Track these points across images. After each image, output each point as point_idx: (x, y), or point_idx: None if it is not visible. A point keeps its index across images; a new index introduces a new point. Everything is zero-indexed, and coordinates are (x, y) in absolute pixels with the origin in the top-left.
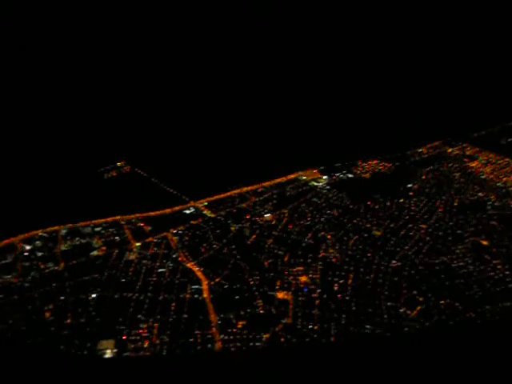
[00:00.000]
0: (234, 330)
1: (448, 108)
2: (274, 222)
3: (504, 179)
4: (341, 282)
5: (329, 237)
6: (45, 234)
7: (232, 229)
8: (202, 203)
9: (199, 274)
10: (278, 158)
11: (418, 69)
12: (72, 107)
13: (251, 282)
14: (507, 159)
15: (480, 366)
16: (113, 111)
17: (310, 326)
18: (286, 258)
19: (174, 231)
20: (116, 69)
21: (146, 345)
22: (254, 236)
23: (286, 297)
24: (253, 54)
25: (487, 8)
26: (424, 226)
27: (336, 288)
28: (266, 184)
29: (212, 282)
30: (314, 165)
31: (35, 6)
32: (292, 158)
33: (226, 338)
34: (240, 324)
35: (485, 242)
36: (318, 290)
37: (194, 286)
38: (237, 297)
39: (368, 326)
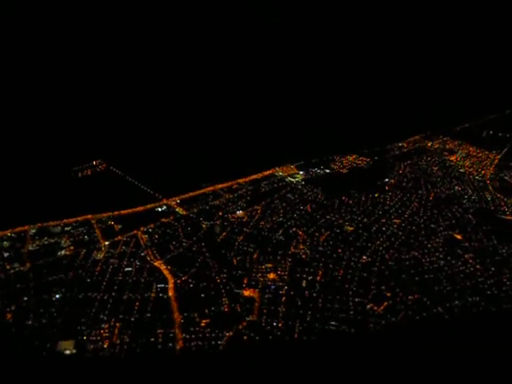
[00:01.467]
0: (197, 329)
1: (430, 102)
2: (245, 219)
3: (482, 172)
4: (309, 278)
5: (300, 233)
6: (13, 234)
7: (203, 226)
8: (175, 201)
9: (166, 272)
10: (256, 154)
11: (400, 63)
12: (46, 104)
13: (218, 280)
14: (487, 152)
15: (446, 362)
16: (89, 109)
17: (275, 324)
18: (255, 256)
19: (144, 229)
20: (91, 69)
21: (105, 345)
22: (224, 233)
23: (252, 294)
24: (229, 51)
25: (467, 5)
26: (397, 221)
27: (304, 284)
28: (241, 180)
29: (178, 281)
30: (293, 160)
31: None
32: (270, 153)
33: (188, 336)
34: (203, 322)
35: (459, 236)
36: (286, 287)
37: (159, 285)
38: (202, 295)
39: (333, 323)
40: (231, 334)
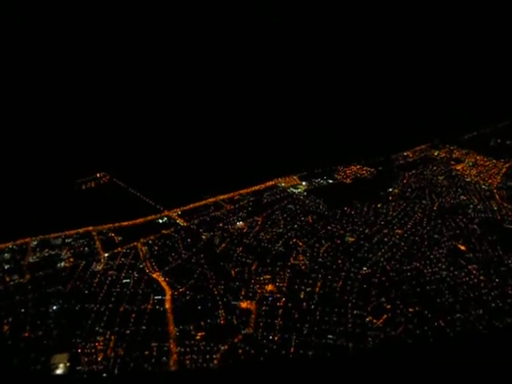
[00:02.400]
0: (192, 342)
1: (437, 110)
2: (245, 230)
3: (489, 181)
4: (308, 290)
5: (300, 244)
6: (14, 247)
7: (203, 237)
8: (176, 212)
9: (164, 284)
10: (259, 165)
11: (407, 71)
12: (49, 117)
13: (215, 292)
14: (494, 161)
15: (447, 378)
16: (93, 121)
17: (271, 337)
18: (253, 267)
19: (144, 241)
20: (92, 81)
21: (99, 358)
22: (223, 244)
23: (249, 306)
24: (225, 62)
25: (474, 13)
26: (400, 232)
27: (302, 296)
28: (243, 191)
29: (176, 293)
30: (297, 171)
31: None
32: (274, 164)
33: (183, 350)
34: (199, 335)
35: (462, 247)
36: (283, 299)
37: (156, 297)
38: (199, 307)
39: (330, 336)
40: (226, 347)
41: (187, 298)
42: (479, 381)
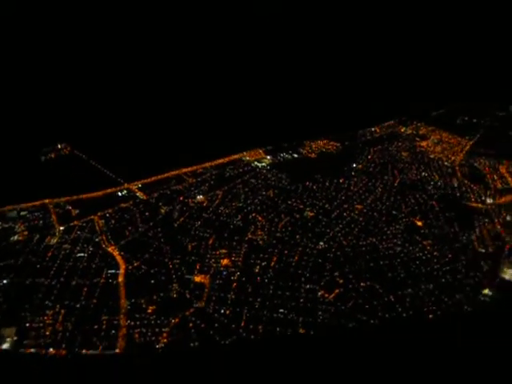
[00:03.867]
0: (143, 315)
1: (406, 87)
2: (205, 204)
3: (452, 158)
4: (263, 264)
5: (259, 218)
6: None
7: (162, 211)
8: (136, 185)
9: (118, 258)
10: (227, 138)
11: (377, 48)
12: (9, 86)
13: (170, 266)
14: (459, 138)
15: (391, 354)
16: (55, 91)
17: (222, 311)
18: (210, 241)
19: (102, 214)
20: (58, 51)
21: (47, 332)
22: (182, 218)
23: (203, 280)
24: (184, 38)
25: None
26: (359, 207)
27: (257, 271)
28: (207, 165)
29: (130, 267)
30: (267, 144)
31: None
32: (241, 137)
33: (133, 323)
34: (150, 309)
35: (419, 223)
36: (238, 273)
37: (110, 271)
38: (152, 281)
39: (282, 310)
40: (177, 320)
41: (141, 271)
42: (423, 354)
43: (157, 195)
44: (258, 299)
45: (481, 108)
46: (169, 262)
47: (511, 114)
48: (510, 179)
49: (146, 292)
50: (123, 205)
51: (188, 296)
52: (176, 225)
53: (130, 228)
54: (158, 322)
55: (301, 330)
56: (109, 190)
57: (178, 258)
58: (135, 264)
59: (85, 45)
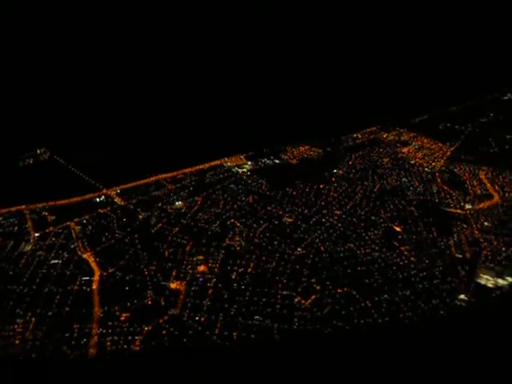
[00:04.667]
0: (115, 323)
1: (389, 93)
2: (183, 210)
3: (433, 164)
4: (240, 270)
5: (238, 224)
6: None
7: (140, 217)
8: (115, 191)
9: (93, 264)
10: (207, 143)
11: (361, 53)
12: None
13: (146, 273)
14: (440, 145)
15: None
16: (34, 96)
17: (197, 318)
18: (188, 247)
19: (78, 220)
20: (36, 57)
21: (17, 341)
22: (160, 224)
23: (178, 287)
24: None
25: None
26: (338, 213)
27: (234, 277)
28: (187, 170)
29: (105, 273)
30: (248, 150)
31: None
32: (222, 143)
33: (105, 331)
34: (123, 316)
35: (398, 229)
36: (214, 280)
37: (84, 278)
38: (127, 288)
39: (257, 317)
40: (150, 328)
41: (116, 278)
42: (400, 361)
43: (135, 201)
44: (234, 306)
45: (462, 114)
46: (145, 269)
47: (491, 121)
48: (488, 185)
49: (120, 299)
50: (101, 211)
51: (163, 303)
52: (153, 231)
53: (106, 234)
54: (131, 329)
55: (276, 337)
56: (87, 196)
57: (154, 265)
58: (110, 271)
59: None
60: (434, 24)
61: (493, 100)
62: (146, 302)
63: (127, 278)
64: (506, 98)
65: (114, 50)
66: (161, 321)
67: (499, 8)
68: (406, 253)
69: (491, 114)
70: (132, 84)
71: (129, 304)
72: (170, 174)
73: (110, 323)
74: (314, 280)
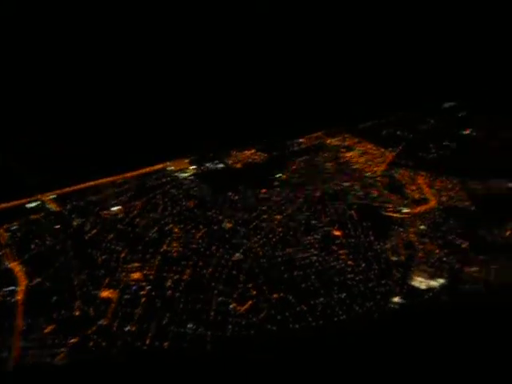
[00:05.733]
0: (39, 336)
1: (334, 99)
2: (121, 215)
3: (374, 169)
4: (175, 277)
5: (176, 230)
6: None
7: (74, 223)
8: (50, 196)
9: (20, 273)
10: (150, 147)
11: (312, 56)
12: None
13: (76, 281)
14: (383, 150)
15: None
16: None
17: (127, 328)
18: (122, 254)
19: (7, 227)
20: None
21: None
22: (95, 231)
23: (110, 296)
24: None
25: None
26: (278, 217)
27: (168, 284)
28: (128, 175)
29: (31, 283)
30: (191, 153)
31: None
32: (167, 146)
33: (27, 345)
34: (48, 328)
35: (337, 233)
36: (148, 287)
37: (8, 288)
38: (55, 298)
39: (190, 325)
40: (76, 340)
41: (43, 288)
42: (334, 363)
43: (71, 207)
44: (167, 314)
45: (405, 121)
46: (75, 278)
47: (431, 128)
48: (426, 189)
49: (46, 310)
50: (33, 217)
51: (92, 313)
52: (87, 237)
53: (37, 242)
54: (56, 341)
55: (208, 346)
56: (18, 202)
57: (85, 273)
58: (37, 280)
59: None
60: (379, 33)
61: (433, 108)
62: (74, 313)
63: (55, 287)
64: (445, 106)
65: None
66: (89, 332)
67: (437, 21)
68: (343, 256)
69: (431, 121)
70: (70, 84)
71: (55, 315)
72: (109, 179)
73: (33, 336)
74: (250, 285)
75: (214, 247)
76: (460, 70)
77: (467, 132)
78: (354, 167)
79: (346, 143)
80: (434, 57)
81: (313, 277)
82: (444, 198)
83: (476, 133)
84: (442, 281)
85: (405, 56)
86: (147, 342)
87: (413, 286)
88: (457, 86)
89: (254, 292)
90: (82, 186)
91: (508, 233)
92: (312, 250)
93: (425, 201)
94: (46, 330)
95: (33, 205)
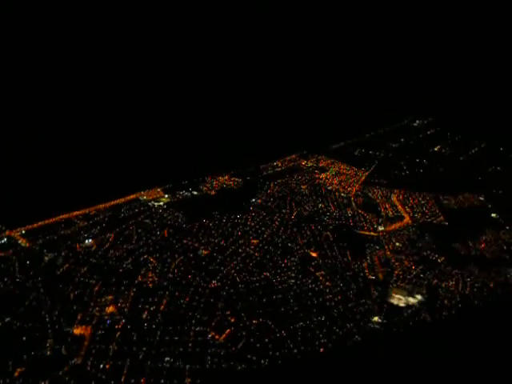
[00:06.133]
0: (7, 380)
1: (307, 122)
2: (94, 248)
3: (348, 189)
4: (152, 308)
5: (151, 260)
6: None
7: (45, 259)
8: (19, 231)
9: None
10: (123, 177)
11: (280, 82)
12: None
13: (47, 319)
14: (356, 169)
15: None
16: None
17: (102, 365)
18: (96, 288)
19: None
20: None
21: None
22: (67, 265)
23: (83, 332)
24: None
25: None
26: (255, 242)
27: (144, 316)
28: (101, 206)
29: (0, 323)
30: (166, 182)
31: None
32: (138, 176)
33: None
34: (17, 372)
35: (314, 254)
36: (123, 321)
37: None
38: (24, 338)
39: (167, 359)
40: (47, 382)
41: (13, 328)
42: None
43: (41, 242)
44: (143, 348)
45: (376, 141)
46: (46, 315)
47: (402, 146)
48: (400, 207)
49: (15, 352)
50: (1, 254)
51: (64, 352)
52: (59, 272)
53: (5, 280)
54: None
55: (187, 380)
56: None
57: (57, 310)
58: (6, 320)
59: None
60: (346, 55)
61: (403, 127)
62: (45, 353)
63: (25, 326)
64: (414, 124)
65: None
66: (60, 373)
67: (402, 41)
68: (321, 278)
69: (402, 140)
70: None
71: (25, 356)
72: (81, 211)
73: (1, 381)
74: (228, 313)
75: (190, 275)
76: (428, 88)
77: (437, 148)
78: (329, 188)
79: (320, 164)
80: (401, 77)
81: (291, 300)
82: (418, 215)
83: (446, 149)
84: (420, 297)
85: (372, 76)
86: (122, 379)
87: (391, 304)
88: (425, 104)
89: (233, 319)
90: (53, 219)
91: (482, 245)
92: (289, 272)
93: (399, 218)
94: (15, 374)
95: (1, 241)
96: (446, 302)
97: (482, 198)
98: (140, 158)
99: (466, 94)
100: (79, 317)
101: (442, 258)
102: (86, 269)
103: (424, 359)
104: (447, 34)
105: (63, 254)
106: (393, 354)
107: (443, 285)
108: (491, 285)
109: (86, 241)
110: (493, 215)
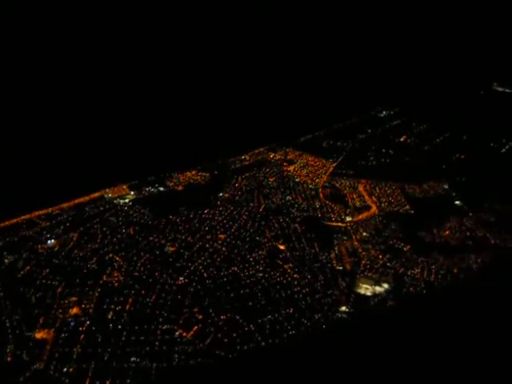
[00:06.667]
0: None
1: (275, 114)
2: (57, 249)
3: (317, 181)
4: (117, 308)
5: (117, 259)
6: None
7: (5, 261)
8: None
9: None
10: (87, 175)
11: (245, 75)
12: None
13: (7, 324)
14: (324, 161)
15: None
16: None
17: (65, 369)
18: (59, 290)
19: None
20: None
21: None
22: (28, 267)
23: (45, 336)
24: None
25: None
26: (222, 236)
27: (110, 317)
28: (64, 205)
29: None
30: (132, 179)
31: None
32: (103, 173)
33: None
34: None
35: (282, 247)
36: (88, 322)
37: None
38: None
39: (133, 359)
40: None
41: None
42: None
43: (1, 244)
44: (108, 349)
45: (343, 132)
46: (6, 320)
47: (369, 137)
48: (366, 197)
49: None
50: None
51: (25, 357)
52: (20, 275)
53: None
54: None
55: (153, 379)
56: None
57: (18, 314)
58: None
59: None
60: (313, 45)
61: (370, 117)
62: (6, 359)
63: None
64: (381, 115)
65: None
66: (21, 379)
67: (369, 31)
68: (289, 270)
69: (369, 131)
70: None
71: None
72: (43, 211)
73: None
74: (196, 309)
75: (157, 273)
76: (394, 79)
77: (403, 139)
78: (297, 180)
79: (288, 157)
80: (367, 67)
81: (259, 294)
82: (384, 204)
83: (411, 139)
84: (386, 286)
85: (339, 68)
86: (87, 382)
87: (359, 294)
88: (391, 95)
89: (200, 316)
90: (14, 220)
91: (447, 232)
92: (257, 266)
93: (366, 208)
94: None
95: None
96: (411, 289)
97: (446, 186)
98: (105, 154)
99: (430, 84)
100: (41, 320)
101: (408, 247)
102: (48, 270)
103: (391, 347)
104: (411, 25)
105: (24, 255)
106: (360, 343)
107: (409, 273)
108: (455, 271)
109: (49, 241)
110: (457, 203)
